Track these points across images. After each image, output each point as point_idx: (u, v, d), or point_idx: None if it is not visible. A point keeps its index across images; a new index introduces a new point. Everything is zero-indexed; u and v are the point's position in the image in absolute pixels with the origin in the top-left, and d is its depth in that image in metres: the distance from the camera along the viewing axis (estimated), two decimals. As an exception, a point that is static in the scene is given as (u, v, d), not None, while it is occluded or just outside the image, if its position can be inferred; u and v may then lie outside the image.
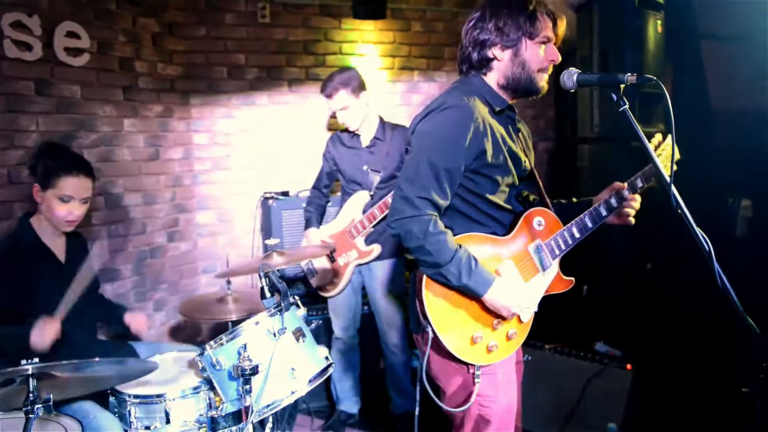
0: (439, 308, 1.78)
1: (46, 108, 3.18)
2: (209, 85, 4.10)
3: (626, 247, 3.68)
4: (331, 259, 3.26)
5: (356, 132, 3.26)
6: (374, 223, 3.15)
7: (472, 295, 1.77)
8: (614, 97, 1.75)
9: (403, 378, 3.38)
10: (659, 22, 3.67)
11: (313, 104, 4.26)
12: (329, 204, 3.55)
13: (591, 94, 3.70)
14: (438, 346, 1.81)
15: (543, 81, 1.89)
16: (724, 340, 2.94)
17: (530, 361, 3.19)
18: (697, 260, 1.64)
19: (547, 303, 1.99)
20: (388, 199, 3.05)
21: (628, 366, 3.04)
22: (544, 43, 1.85)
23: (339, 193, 3.49)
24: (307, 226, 3.40)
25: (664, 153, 2.07)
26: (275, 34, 4.21)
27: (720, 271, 1.60)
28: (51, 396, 1.64)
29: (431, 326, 1.76)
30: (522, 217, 1.90)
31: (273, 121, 4.25)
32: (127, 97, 3.63)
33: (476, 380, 1.83)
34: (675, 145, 1.71)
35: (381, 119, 3.30)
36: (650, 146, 1.78)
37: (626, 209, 2.00)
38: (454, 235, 1.79)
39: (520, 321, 1.89)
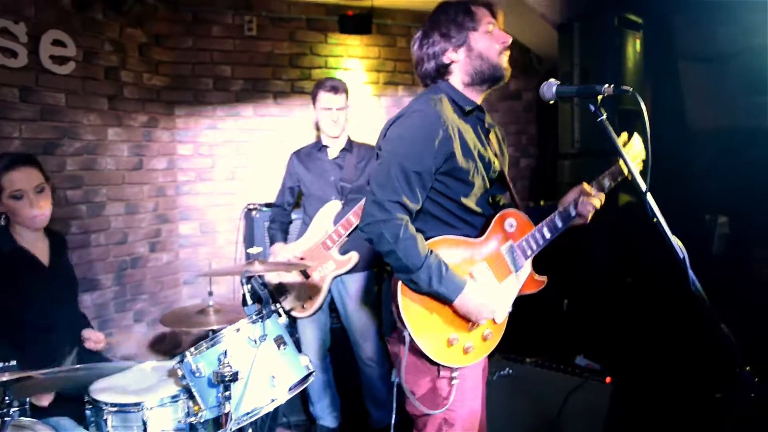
0: (415, 311, 1.79)
1: (29, 115, 3.17)
2: (195, 96, 4.12)
3: (606, 262, 3.73)
4: (306, 275, 3.19)
5: (326, 144, 3.28)
6: (349, 231, 3.11)
7: (443, 300, 1.79)
8: (592, 107, 1.78)
9: (380, 390, 3.36)
10: (638, 41, 3.76)
11: (297, 117, 4.29)
12: (291, 222, 3.51)
13: (572, 110, 3.76)
14: (412, 349, 1.82)
15: (504, 63, 1.94)
16: (703, 354, 2.98)
17: (510, 375, 3.21)
18: (676, 274, 1.67)
19: (528, 316, 2.01)
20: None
21: (608, 379, 3.05)
22: (489, 31, 1.90)
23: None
24: (273, 242, 3.34)
25: (630, 153, 2.11)
26: (261, 47, 4.24)
27: (694, 278, 1.63)
28: (28, 400, 1.62)
29: (407, 329, 1.77)
30: (494, 219, 1.93)
31: (257, 132, 4.27)
32: (112, 106, 3.63)
33: (453, 382, 1.84)
34: (649, 146, 1.74)
35: (348, 136, 3.35)
36: (626, 155, 1.82)
37: (587, 208, 2.00)
38: (428, 239, 1.81)
39: (495, 322, 1.91)
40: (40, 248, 2.46)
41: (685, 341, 3.24)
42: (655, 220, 1.70)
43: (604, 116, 1.78)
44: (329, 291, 3.23)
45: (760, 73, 4.12)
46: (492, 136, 2.05)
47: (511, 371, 3.20)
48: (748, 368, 1.60)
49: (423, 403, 1.87)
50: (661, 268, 3.28)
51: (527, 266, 2.00)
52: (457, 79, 1.94)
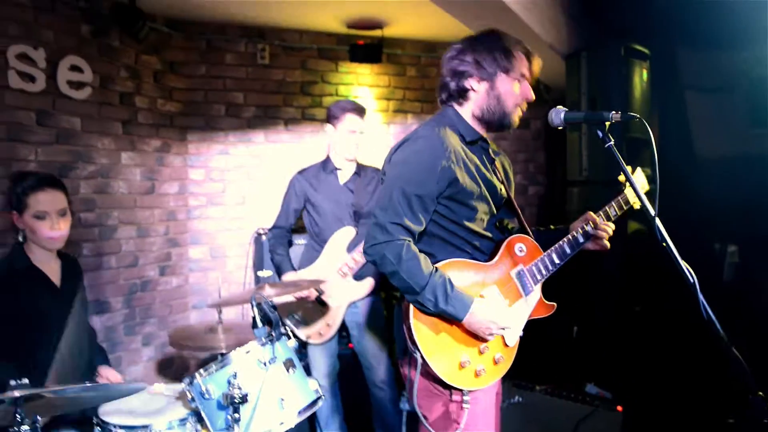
0: (427, 333, 1.80)
1: (45, 138, 3.23)
2: (207, 122, 4.19)
3: (615, 289, 3.72)
4: (321, 302, 3.14)
5: (339, 167, 3.23)
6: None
7: (451, 319, 1.79)
8: (600, 133, 1.81)
9: (390, 414, 3.32)
10: (645, 71, 3.80)
11: (308, 143, 4.35)
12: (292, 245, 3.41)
13: (579, 138, 3.79)
14: (425, 372, 1.81)
15: (515, 116, 1.96)
16: (714, 382, 2.95)
17: (521, 403, 3.18)
18: (686, 302, 1.67)
19: (538, 344, 2.00)
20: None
21: (619, 408, 3.02)
22: (518, 80, 1.92)
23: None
24: (282, 270, 3.19)
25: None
26: (273, 75, 4.32)
27: (705, 303, 1.63)
28: (38, 417, 1.62)
29: (419, 351, 1.77)
30: (504, 244, 1.95)
31: (268, 158, 4.32)
32: (126, 131, 3.70)
33: (465, 405, 1.83)
34: (657, 171, 1.75)
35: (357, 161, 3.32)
36: (635, 181, 1.83)
37: (601, 235, 2.03)
38: (437, 262, 1.82)
39: (506, 345, 1.91)
40: (52, 269, 2.48)
41: (696, 369, 3.21)
42: (664, 244, 1.71)
43: (612, 142, 1.80)
44: (343, 318, 3.22)
45: (764, 104, 4.16)
46: (498, 163, 2.07)
47: (521, 399, 3.18)
48: (760, 394, 1.59)
49: (435, 428, 1.86)
50: (671, 296, 3.28)
51: (537, 291, 2.01)
52: (468, 108, 1.97)
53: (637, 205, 2.12)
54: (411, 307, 1.79)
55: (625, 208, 2.12)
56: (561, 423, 3.08)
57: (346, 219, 3.18)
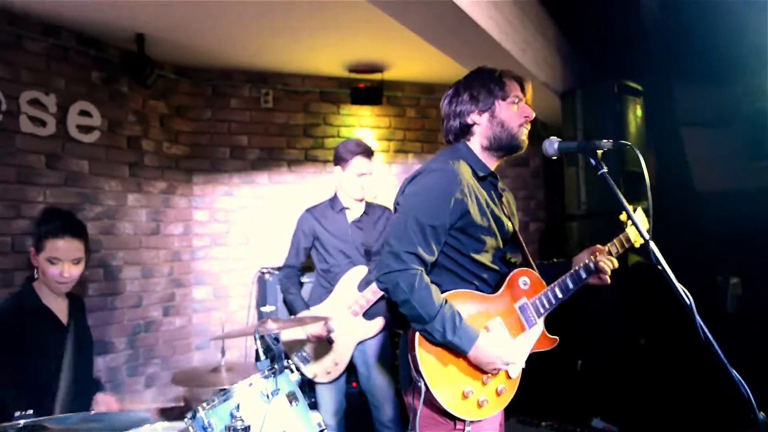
0: (432, 363, 1.81)
1: (54, 181, 3.31)
2: (212, 164, 4.28)
3: (619, 323, 3.71)
4: (330, 341, 3.14)
5: (347, 206, 3.25)
6: (379, 297, 3.08)
7: (457, 351, 1.81)
8: (593, 162, 1.86)
9: None
10: (638, 107, 3.89)
11: (310, 183, 4.42)
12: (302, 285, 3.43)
13: (577, 173, 3.86)
14: (428, 401, 1.82)
15: (523, 136, 2.02)
16: (720, 414, 2.92)
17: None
18: (689, 334, 1.68)
19: (543, 378, 2.01)
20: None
21: (626, 442, 3.00)
22: (515, 102, 2.00)
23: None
24: (296, 309, 3.17)
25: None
26: (277, 118, 4.44)
27: (702, 325, 1.65)
28: (42, 448, 1.63)
29: (424, 380, 1.79)
30: (509, 277, 1.98)
31: (272, 199, 4.39)
32: (133, 173, 3.78)
33: None
34: (649, 197, 1.79)
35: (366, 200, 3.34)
36: (629, 208, 1.88)
37: (603, 269, 2.05)
38: (443, 292, 1.85)
39: (509, 377, 1.92)
40: (60, 307, 2.52)
41: (702, 401, 3.18)
42: (659, 267, 1.73)
43: (605, 170, 1.85)
44: (351, 358, 3.21)
45: (761, 137, 4.22)
46: (504, 200, 2.13)
47: (525, 436, 3.14)
48: (762, 414, 1.59)
49: None
50: (674, 328, 3.27)
51: (540, 324, 2.03)
52: (476, 141, 2.03)
53: (638, 244, 2.17)
54: (417, 336, 1.81)
55: (626, 246, 2.16)
56: (568, 459, 3.05)
57: (355, 257, 3.19)
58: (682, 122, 4.52)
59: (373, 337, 3.18)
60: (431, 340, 1.80)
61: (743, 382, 1.63)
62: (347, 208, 3.26)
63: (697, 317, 1.65)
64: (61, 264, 2.38)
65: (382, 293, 3.05)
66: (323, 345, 3.15)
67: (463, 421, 1.84)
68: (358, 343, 3.17)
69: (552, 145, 1.97)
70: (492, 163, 2.06)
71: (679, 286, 1.70)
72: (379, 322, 3.15)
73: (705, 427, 3.13)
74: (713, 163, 4.46)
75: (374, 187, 3.24)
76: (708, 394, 3.05)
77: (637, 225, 1.85)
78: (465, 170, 1.92)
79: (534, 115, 2.03)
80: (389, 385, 3.20)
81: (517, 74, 2.05)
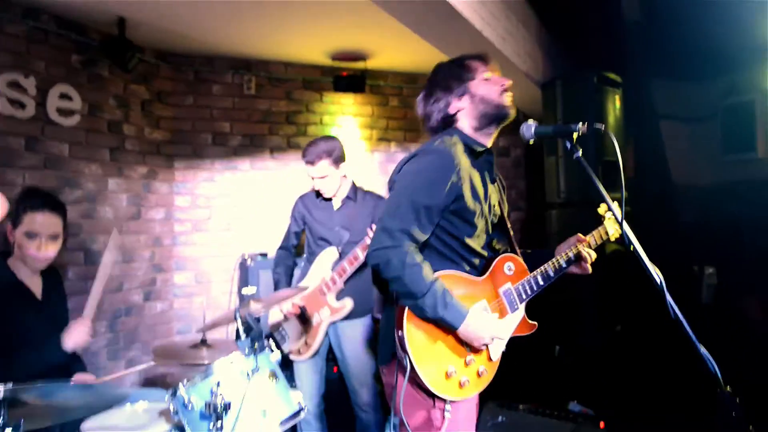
0: (419, 340, 1.84)
1: (33, 163, 3.28)
2: (194, 150, 4.26)
3: (596, 310, 3.78)
4: (303, 320, 3.22)
5: (329, 198, 3.30)
6: (345, 277, 3.16)
7: (447, 327, 1.84)
8: (568, 145, 1.90)
9: (372, 429, 3.33)
10: (617, 98, 3.96)
11: (293, 171, 4.43)
12: (295, 265, 3.51)
13: (557, 162, 3.92)
14: (411, 379, 1.85)
15: (507, 102, 2.05)
16: (693, 397, 2.99)
17: (504, 422, 3.19)
18: (664, 321, 1.73)
19: (521, 363, 2.05)
20: (358, 251, 3.11)
21: (601, 424, 3.05)
22: (486, 78, 2.04)
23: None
24: (277, 287, 3.33)
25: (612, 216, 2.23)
26: (259, 104, 4.43)
27: (672, 303, 1.70)
28: (22, 421, 1.64)
29: (409, 357, 1.81)
30: (495, 262, 2.02)
31: (254, 185, 4.39)
32: (114, 158, 3.76)
33: (446, 414, 1.87)
34: (622, 176, 1.83)
35: (353, 183, 3.37)
36: (604, 191, 1.91)
37: (584, 261, 2.12)
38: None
39: (490, 359, 1.96)
40: (34, 283, 2.51)
41: (673, 385, 3.26)
42: (632, 247, 1.78)
43: (580, 152, 1.89)
44: (326, 336, 3.25)
45: (745, 131, 4.32)
46: (497, 184, 2.16)
47: (504, 419, 3.19)
48: (728, 388, 1.64)
49: None
50: (649, 315, 3.35)
51: (521, 309, 2.08)
52: (465, 124, 2.06)
53: (614, 238, 2.24)
54: (405, 312, 1.83)
55: (604, 237, 2.23)
56: (545, 441, 3.10)
57: (335, 240, 3.24)
58: (661, 116, 4.61)
59: (344, 319, 3.22)
60: (421, 316, 1.82)
61: (711, 358, 1.69)
62: (330, 198, 3.30)
63: (668, 295, 1.70)
64: (39, 239, 2.37)
65: (349, 272, 3.12)
66: (298, 325, 3.21)
67: (444, 400, 1.87)
68: (331, 324, 3.22)
69: (529, 129, 2.00)
70: (487, 142, 2.08)
71: (650, 265, 1.75)
72: (346, 304, 3.19)
73: (677, 409, 3.21)
74: (690, 156, 4.55)
75: (332, 187, 3.22)
76: (679, 377, 3.14)
77: (611, 207, 1.90)
78: (461, 153, 1.95)
79: (510, 81, 2.06)
80: (365, 369, 3.25)
81: (475, 53, 2.09)
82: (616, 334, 3.77)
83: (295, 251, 3.46)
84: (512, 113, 2.06)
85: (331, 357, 3.41)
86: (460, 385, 1.88)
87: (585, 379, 3.57)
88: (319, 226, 3.30)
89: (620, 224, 1.82)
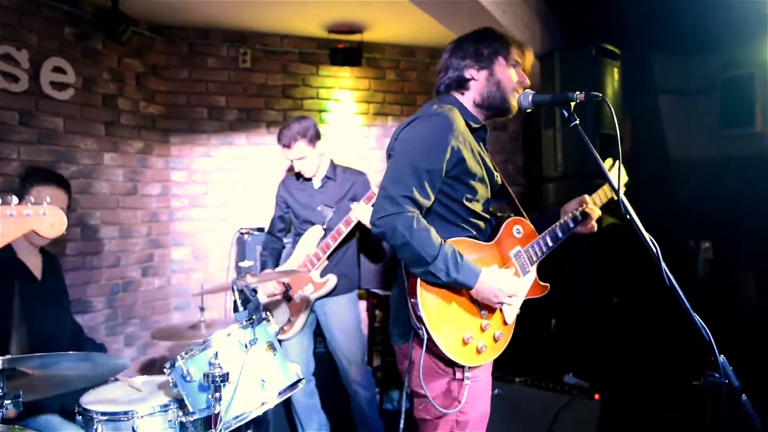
0: (433, 309, 1.82)
1: (28, 138, 3.26)
2: (189, 125, 4.23)
3: (593, 282, 3.80)
4: (287, 298, 3.22)
5: (309, 178, 3.30)
6: (328, 253, 3.16)
7: (461, 289, 1.83)
8: (566, 113, 1.89)
9: (368, 414, 3.35)
10: (616, 70, 3.93)
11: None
12: (283, 248, 3.52)
13: (554, 135, 3.90)
14: (429, 350, 1.83)
15: (514, 101, 2.04)
16: (689, 371, 3.02)
17: (501, 395, 3.23)
18: (661, 294, 1.73)
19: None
20: (341, 226, 3.10)
21: (596, 396, 3.09)
22: (514, 66, 2.03)
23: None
24: (263, 269, 3.36)
25: (613, 175, 2.22)
26: (255, 78, 4.39)
27: (667, 272, 1.70)
28: (21, 392, 1.65)
29: (425, 326, 1.80)
30: (503, 226, 2.02)
31: (250, 160, 4.37)
32: (109, 133, 3.73)
33: (466, 383, 1.87)
34: (619, 148, 1.83)
35: (332, 161, 3.36)
36: (600, 160, 1.91)
37: (590, 215, 2.15)
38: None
39: (505, 323, 1.96)
40: (33, 262, 2.51)
41: (668, 357, 3.29)
42: (628, 216, 1.79)
43: (577, 121, 1.89)
44: (310, 313, 3.27)
45: (744, 105, 4.30)
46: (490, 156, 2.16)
47: (500, 391, 3.22)
48: (722, 356, 1.66)
49: (435, 406, 1.89)
50: (646, 287, 3.36)
51: (533, 271, 2.08)
52: (469, 96, 2.05)
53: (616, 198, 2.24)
54: (418, 283, 1.81)
55: (609, 195, 2.25)
56: (541, 413, 3.14)
57: (319, 219, 3.25)
58: (659, 89, 4.58)
59: (329, 295, 3.23)
60: (434, 282, 1.80)
61: (705, 326, 1.70)
62: (313, 177, 3.29)
63: (663, 263, 1.71)
64: None
65: (333, 247, 3.14)
66: (282, 304, 3.23)
67: (462, 368, 1.87)
68: (317, 300, 3.23)
69: (527, 97, 2.00)
70: (482, 118, 2.07)
71: (646, 235, 1.76)
72: (329, 280, 3.20)
73: (672, 381, 3.24)
74: (688, 130, 4.53)
75: (312, 166, 3.22)
76: (675, 349, 3.16)
77: (608, 177, 1.89)
78: (459, 119, 1.93)
79: (529, 83, 2.05)
80: (354, 348, 3.27)
81: (522, 41, 2.08)
82: (612, 307, 3.79)
83: (282, 235, 3.47)
84: (513, 112, 2.06)
85: (320, 338, 3.43)
86: (478, 351, 1.87)
87: (581, 352, 3.60)
88: (302, 208, 3.31)
89: (616, 192, 1.83)
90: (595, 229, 2.17)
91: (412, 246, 1.75)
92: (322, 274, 3.22)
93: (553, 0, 4.38)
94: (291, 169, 3.38)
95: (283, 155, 3.22)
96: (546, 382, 3.26)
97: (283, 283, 3.17)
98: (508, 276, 1.94)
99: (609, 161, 2.26)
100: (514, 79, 2.02)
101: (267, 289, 3.18)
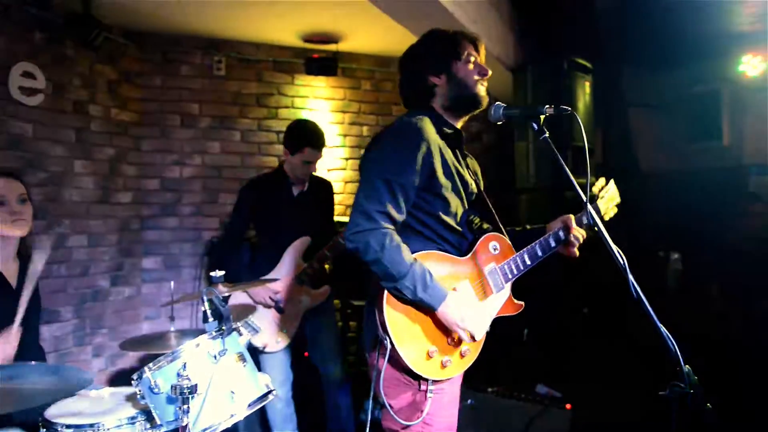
0: (399, 321, 1.82)
1: (-5, 143, 3.20)
2: (162, 132, 4.19)
3: (564, 293, 3.84)
4: (280, 310, 3.16)
5: (293, 182, 3.24)
6: (324, 265, 3.15)
7: (426, 309, 1.83)
8: (535, 126, 1.91)
9: (343, 419, 3.35)
10: (588, 84, 3.99)
11: (264, 153, 4.38)
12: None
13: (527, 147, 3.95)
14: (394, 361, 1.84)
15: (482, 92, 2.05)
16: (659, 378, 3.06)
17: (473, 404, 3.24)
18: (630, 304, 1.75)
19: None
20: (339, 239, 3.09)
21: (568, 406, 3.12)
22: (470, 61, 2.03)
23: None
24: (240, 279, 3.14)
25: (606, 195, 2.25)
26: (229, 86, 4.37)
27: (634, 283, 1.73)
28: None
29: (390, 338, 1.79)
30: (479, 241, 2.00)
31: (224, 169, 4.33)
32: (79, 139, 3.67)
33: (429, 395, 1.86)
34: (587, 154, 1.85)
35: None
36: (570, 174, 1.92)
37: (573, 241, 2.10)
38: (413, 253, 1.85)
39: (473, 339, 1.95)
40: (10, 270, 2.45)
41: (637, 366, 3.33)
42: (596, 228, 1.81)
43: (547, 134, 1.91)
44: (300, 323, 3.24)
45: (711, 119, 4.41)
46: (469, 161, 2.15)
47: (473, 401, 3.23)
48: (687, 366, 1.68)
49: (400, 416, 1.89)
50: (616, 299, 3.41)
51: (507, 289, 2.06)
52: (438, 102, 2.04)
53: (607, 217, 2.25)
54: (385, 294, 1.81)
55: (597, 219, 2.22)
56: (513, 422, 3.15)
57: (303, 229, 3.20)
58: (630, 103, 4.68)
59: (320, 305, 3.22)
60: (401, 298, 1.80)
61: (670, 336, 1.73)
62: (292, 183, 3.25)
63: (630, 275, 1.73)
64: (9, 203, 2.31)
65: (331, 257, 3.11)
66: (270, 315, 3.16)
67: (427, 380, 1.86)
68: (307, 311, 3.20)
69: (497, 110, 2.00)
70: (456, 124, 2.07)
71: (613, 246, 1.78)
72: (326, 290, 3.20)
73: (641, 390, 3.28)
74: (657, 144, 4.63)
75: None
76: (644, 359, 3.20)
77: (578, 190, 1.91)
78: (429, 128, 1.92)
79: (490, 72, 2.05)
80: (331, 346, 3.26)
81: (470, 34, 2.07)
82: (583, 317, 3.84)
83: (242, 241, 3.37)
84: (484, 103, 2.05)
85: (302, 342, 3.40)
86: (442, 365, 1.86)
87: (552, 362, 3.63)
88: (280, 213, 3.22)
89: (585, 205, 1.85)
90: (577, 255, 2.11)
91: (383, 263, 1.75)
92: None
93: (526, 14, 4.44)
94: (266, 176, 3.35)
95: (306, 156, 3.13)
96: (518, 391, 3.28)
97: (275, 297, 3.12)
98: (474, 305, 1.93)
99: (602, 181, 2.29)
100: (473, 72, 2.03)
101: (257, 298, 3.12)
